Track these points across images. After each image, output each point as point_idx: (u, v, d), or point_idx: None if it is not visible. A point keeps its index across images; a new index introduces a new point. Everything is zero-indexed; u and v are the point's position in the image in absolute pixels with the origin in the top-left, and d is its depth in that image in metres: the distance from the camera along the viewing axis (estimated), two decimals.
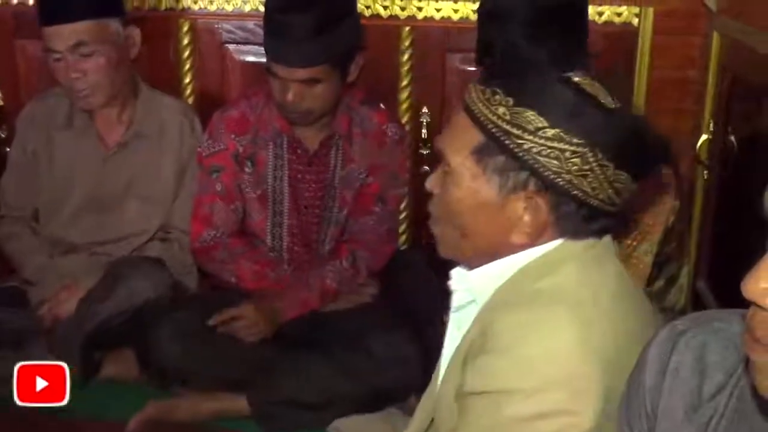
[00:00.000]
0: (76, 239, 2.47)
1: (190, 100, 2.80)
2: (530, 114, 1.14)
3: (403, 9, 2.70)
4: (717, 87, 2.50)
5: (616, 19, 2.64)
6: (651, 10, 2.60)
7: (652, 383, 0.98)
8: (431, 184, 1.28)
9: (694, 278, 2.54)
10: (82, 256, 2.46)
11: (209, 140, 2.38)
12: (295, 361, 2.24)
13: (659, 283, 2.07)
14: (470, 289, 1.27)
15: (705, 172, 2.56)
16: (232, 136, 2.36)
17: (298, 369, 2.23)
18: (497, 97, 1.16)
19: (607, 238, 1.25)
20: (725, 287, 2.21)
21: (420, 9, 2.70)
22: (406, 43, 2.73)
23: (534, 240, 1.20)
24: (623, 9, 2.63)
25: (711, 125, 2.51)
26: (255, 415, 2.21)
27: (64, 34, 2.27)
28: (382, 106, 2.49)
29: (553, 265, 1.19)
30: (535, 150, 1.14)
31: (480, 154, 1.18)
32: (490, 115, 1.16)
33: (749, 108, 2.22)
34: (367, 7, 2.66)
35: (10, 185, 2.56)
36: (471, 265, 1.27)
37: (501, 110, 1.15)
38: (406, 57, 2.73)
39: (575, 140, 1.13)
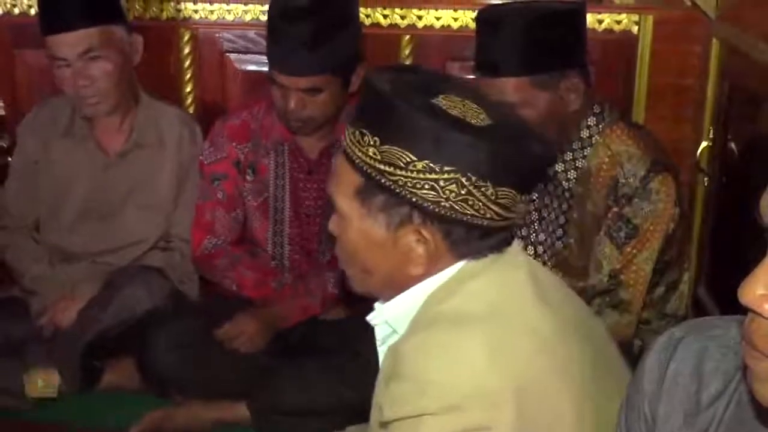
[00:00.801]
0: (76, 248, 2.48)
1: (191, 109, 2.81)
2: (396, 150, 1.13)
3: (403, 18, 2.72)
4: (716, 94, 2.50)
5: (616, 27, 2.65)
6: (650, 17, 2.62)
7: (651, 390, 0.99)
8: (332, 226, 1.29)
9: (694, 285, 2.55)
10: (82, 265, 2.46)
11: (210, 148, 2.39)
12: (295, 370, 2.24)
13: (660, 290, 2.08)
14: (388, 321, 1.28)
15: (705, 179, 2.56)
16: (234, 144, 2.37)
17: (299, 377, 2.23)
18: (366, 138, 1.16)
19: (514, 246, 1.24)
20: (726, 294, 2.20)
21: (420, 18, 2.71)
22: (407, 52, 2.75)
23: (432, 268, 1.20)
24: (623, 17, 2.64)
25: (711, 132, 2.51)
26: (255, 424, 2.22)
27: (72, 42, 2.28)
28: None
29: (455, 286, 1.19)
30: (410, 184, 1.14)
31: (362, 195, 1.19)
32: (363, 157, 1.17)
33: (749, 115, 2.23)
34: (367, 16, 2.67)
35: (11, 194, 2.56)
36: (384, 299, 1.28)
37: (371, 151, 1.15)
38: None
39: (445, 168, 1.12)
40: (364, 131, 1.16)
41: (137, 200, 2.47)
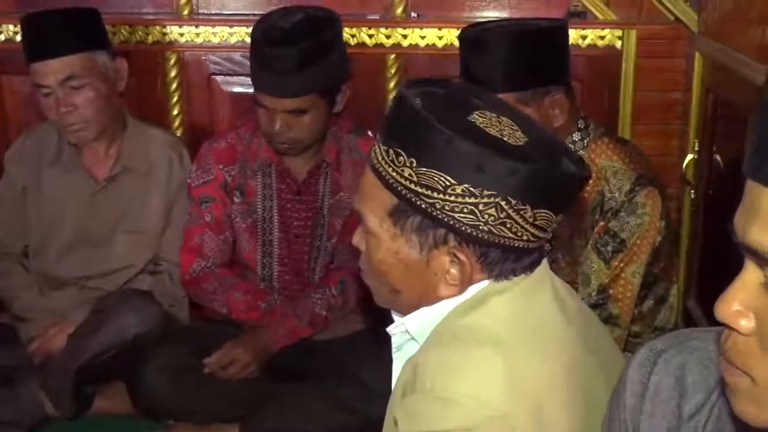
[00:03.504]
0: (66, 274, 2.48)
1: (179, 132, 2.82)
2: (435, 173, 1.10)
3: (388, 37, 2.74)
4: (701, 108, 2.53)
5: (600, 43, 2.68)
6: (633, 33, 2.65)
7: (632, 403, 0.99)
8: (356, 240, 1.27)
9: (684, 297, 2.57)
10: (71, 291, 2.46)
11: (198, 171, 2.40)
12: (287, 394, 2.25)
13: (649, 303, 2.10)
14: (408, 331, 1.26)
15: (692, 191, 2.58)
16: (220, 166, 2.37)
17: (292, 401, 2.23)
18: (401, 158, 1.13)
19: (542, 266, 1.22)
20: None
21: (405, 36, 2.73)
22: (392, 71, 2.77)
23: (464, 289, 1.18)
24: (606, 32, 2.67)
25: (696, 145, 2.54)
26: None
27: (54, 69, 2.29)
28: (370, 133, 2.49)
29: (481, 301, 1.17)
30: (447, 207, 1.11)
31: (396, 215, 1.16)
32: (398, 178, 1.14)
33: (733, 128, 2.25)
34: (353, 36, 2.69)
35: (0, 222, 2.56)
36: (405, 313, 1.26)
37: (407, 172, 1.12)
38: (392, 84, 2.76)
39: (486, 192, 1.10)
40: (399, 151, 1.13)
41: (126, 225, 2.48)
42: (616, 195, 1.96)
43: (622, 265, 1.96)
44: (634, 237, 1.96)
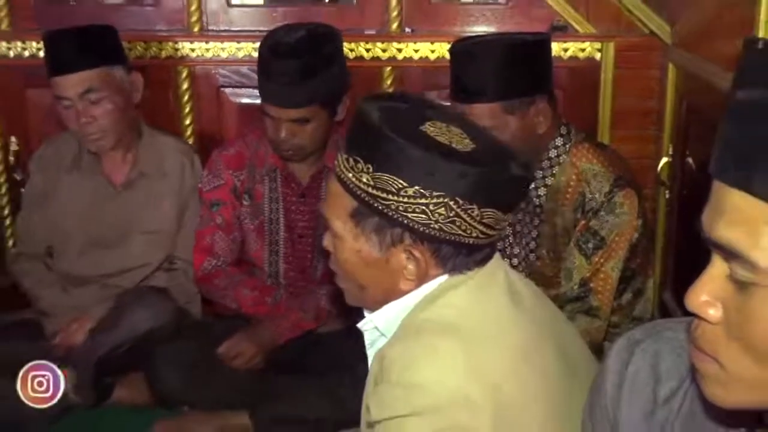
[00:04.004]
0: (86, 273, 2.48)
1: (191, 140, 2.82)
2: (389, 177, 1.14)
3: (384, 51, 2.74)
4: (675, 114, 2.52)
5: (580, 54, 2.68)
6: (611, 45, 2.64)
7: (612, 390, 0.99)
8: (326, 243, 1.30)
9: (660, 290, 2.57)
10: (92, 288, 2.46)
11: (209, 176, 2.40)
12: (294, 384, 2.25)
13: (627, 296, 2.10)
14: (377, 327, 1.28)
15: (666, 192, 2.57)
16: (230, 171, 2.38)
17: (297, 390, 2.23)
18: (359, 165, 1.16)
19: (494, 260, 1.25)
20: None
21: (400, 50, 2.73)
22: (388, 82, 2.77)
23: (421, 282, 1.21)
24: (586, 45, 2.67)
25: (670, 149, 2.53)
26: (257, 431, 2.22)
27: (74, 83, 2.29)
28: None
29: (438, 295, 1.20)
30: (401, 208, 1.14)
31: (356, 217, 1.19)
32: (357, 182, 1.17)
33: (704, 133, 2.24)
34: (351, 50, 2.69)
35: (24, 224, 2.58)
36: (373, 309, 1.28)
37: (365, 177, 1.16)
38: None
39: (435, 193, 1.13)
40: (358, 158, 1.17)
41: (142, 226, 2.48)
42: (596, 196, 1.96)
43: (602, 260, 1.97)
44: (613, 234, 1.96)
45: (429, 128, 1.19)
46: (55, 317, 2.42)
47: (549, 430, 1.17)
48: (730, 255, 0.76)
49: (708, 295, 0.78)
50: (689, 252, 2.33)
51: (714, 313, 0.78)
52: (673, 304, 2.44)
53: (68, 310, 2.41)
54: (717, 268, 0.78)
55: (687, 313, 0.82)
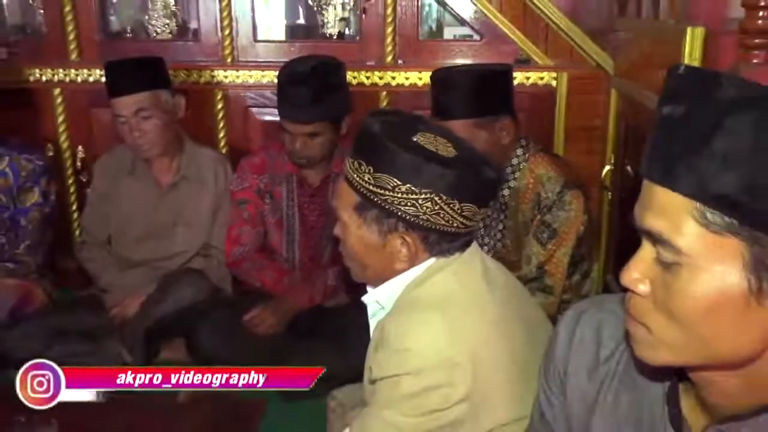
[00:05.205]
0: (139, 257, 2.47)
1: (224, 150, 2.81)
2: (386, 177, 1.15)
3: (380, 78, 2.73)
4: (616, 131, 2.52)
5: (540, 82, 2.67)
6: (565, 74, 2.63)
7: (561, 351, 0.99)
8: (336, 231, 1.30)
9: (603, 272, 2.57)
10: (143, 270, 2.45)
11: (237, 179, 2.40)
12: (305, 348, 2.24)
13: (576, 278, 2.09)
14: (378, 300, 1.29)
15: (609, 194, 2.58)
16: (255, 176, 2.37)
17: (308, 353, 2.23)
18: (362, 167, 1.18)
19: (472, 248, 1.25)
20: None
21: (393, 78, 2.72)
22: (384, 104, 2.75)
23: (413, 264, 1.22)
24: (545, 74, 2.66)
25: (612, 159, 2.54)
26: None
27: (128, 103, 2.28)
28: None
29: (427, 277, 1.21)
30: (396, 202, 1.16)
31: (359, 209, 1.20)
32: (360, 181, 1.19)
33: (639, 145, 2.24)
34: (354, 77, 2.68)
35: (89, 218, 2.56)
36: (375, 285, 1.29)
37: (367, 177, 1.17)
38: None
39: (423, 190, 1.14)
40: (361, 161, 1.18)
41: (183, 221, 2.47)
42: (550, 195, 1.95)
43: (554, 248, 1.96)
44: (564, 227, 1.95)
45: (420, 138, 1.19)
46: (113, 293, 2.41)
47: (515, 385, 1.18)
48: (657, 240, 0.75)
49: (639, 273, 0.78)
50: (627, 242, 2.33)
51: (644, 288, 0.77)
52: (614, 284, 2.44)
53: (123, 288, 2.40)
54: (646, 251, 0.77)
55: (624, 291, 0.82)
